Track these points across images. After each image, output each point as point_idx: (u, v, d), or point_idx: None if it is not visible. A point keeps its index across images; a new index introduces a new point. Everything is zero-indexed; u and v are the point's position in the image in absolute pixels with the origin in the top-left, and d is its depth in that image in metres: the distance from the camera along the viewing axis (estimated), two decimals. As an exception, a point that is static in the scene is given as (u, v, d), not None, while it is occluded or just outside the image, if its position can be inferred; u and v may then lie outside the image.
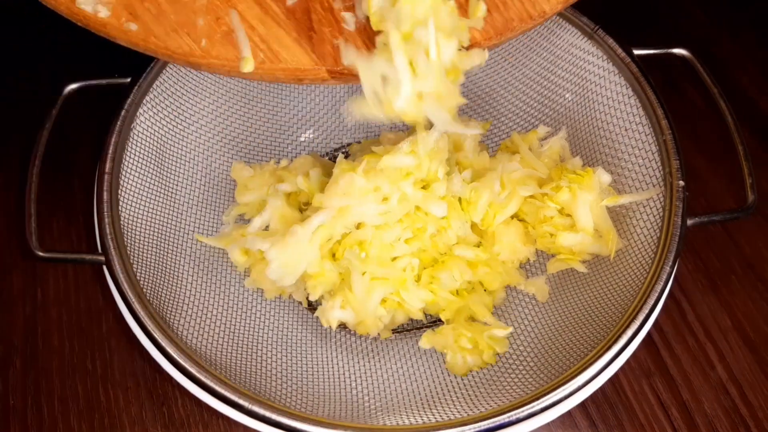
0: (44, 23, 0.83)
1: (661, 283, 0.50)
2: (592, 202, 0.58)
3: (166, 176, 0.62)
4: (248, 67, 0.42)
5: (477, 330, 0.58)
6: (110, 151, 0.56)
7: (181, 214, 0.63)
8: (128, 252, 0.54)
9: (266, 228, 0.62)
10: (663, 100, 0.57)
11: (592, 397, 0.55)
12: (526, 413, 0.47)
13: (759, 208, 0.55)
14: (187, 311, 0.56)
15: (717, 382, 0.62)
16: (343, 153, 0.73)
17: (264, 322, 0.61)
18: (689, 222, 0.53)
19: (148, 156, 0.60)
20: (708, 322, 0.65)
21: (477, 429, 0.46)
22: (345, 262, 0.57)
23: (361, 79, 0.42)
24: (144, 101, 0.59)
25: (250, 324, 0.60)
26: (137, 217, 0.57)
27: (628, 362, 0.52)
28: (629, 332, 0.49)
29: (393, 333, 0.62)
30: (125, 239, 0.54)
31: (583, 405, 0.60)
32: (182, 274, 0.59)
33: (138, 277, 0.53)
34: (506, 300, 0.63)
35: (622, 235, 0.58)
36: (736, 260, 0.68)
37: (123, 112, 0.57)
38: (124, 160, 0.57)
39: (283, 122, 0.72)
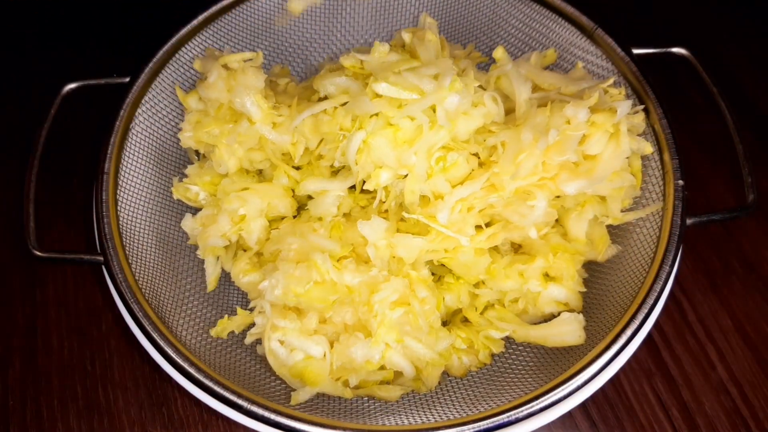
0: (43, 23, 0.83)
1: (661, 283, 0.50)
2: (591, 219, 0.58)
3: (165, 176, 0.62)
4: None
5: (472, 330, 0.58)
6: (109, 151, 0.56)
7: (180, 213, 0.63)
8: (127, 252, 0.54)
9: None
10: (662, 100, 0.57)
11: (593, 397, 0.55)
12: (525, 413, 0.47)
13: (759, 207, 0.55)
14: (186, 311, 0.56)
15: (718, 382, 0.61)
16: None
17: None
18: (689, 221, 0.53)
19: (147, 156, 0.60)
20: (709, 322, 0.64)
21: (477, 429, 0.46)
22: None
23: None
24: (143, 101, 0.59)
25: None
26: (136, 217, 0.57)
27: (628, 363, 0.52)
28: (628, 332, 0.49)
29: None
30: (124, 239, 0.54)
31: (583, 405, 0.60)
32: (181, 274, 0.59)
33: (137, 278, 0.53)
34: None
35: (622, 234, 0.58)
36: (736, 260, 0.68)
37: (122, 112, 0.57)
38: (123, 160, 0.57)
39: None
